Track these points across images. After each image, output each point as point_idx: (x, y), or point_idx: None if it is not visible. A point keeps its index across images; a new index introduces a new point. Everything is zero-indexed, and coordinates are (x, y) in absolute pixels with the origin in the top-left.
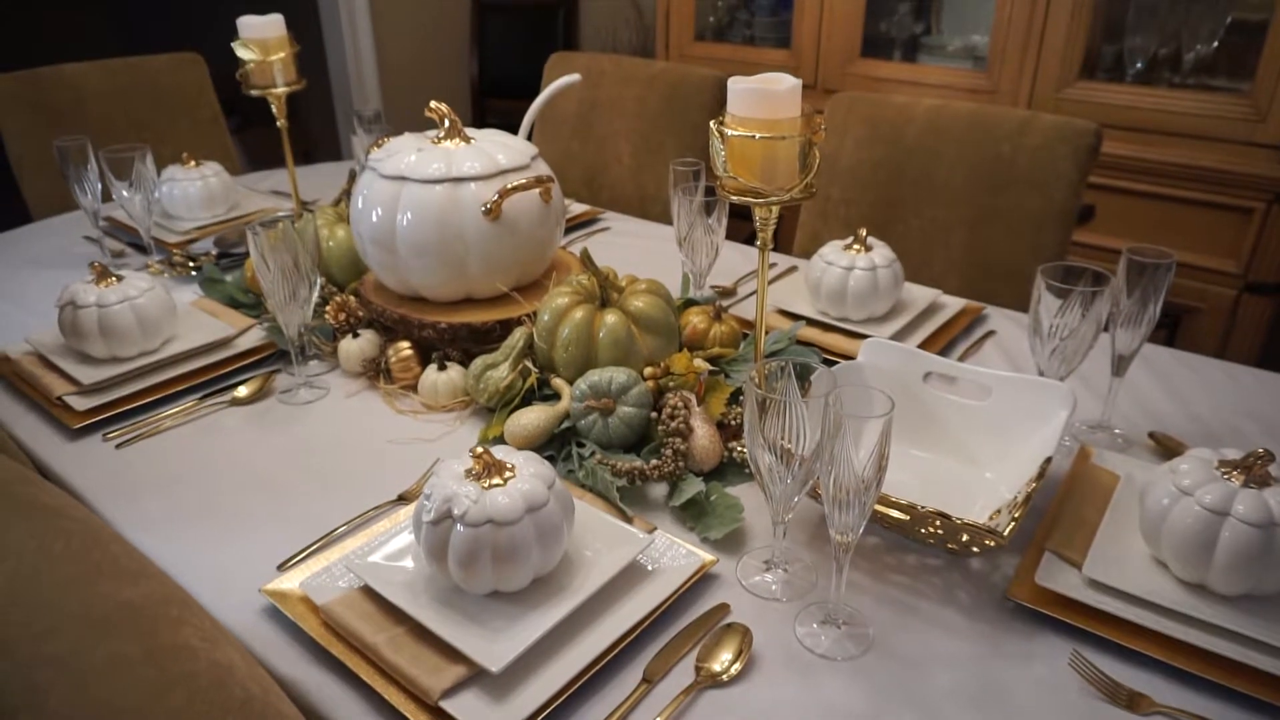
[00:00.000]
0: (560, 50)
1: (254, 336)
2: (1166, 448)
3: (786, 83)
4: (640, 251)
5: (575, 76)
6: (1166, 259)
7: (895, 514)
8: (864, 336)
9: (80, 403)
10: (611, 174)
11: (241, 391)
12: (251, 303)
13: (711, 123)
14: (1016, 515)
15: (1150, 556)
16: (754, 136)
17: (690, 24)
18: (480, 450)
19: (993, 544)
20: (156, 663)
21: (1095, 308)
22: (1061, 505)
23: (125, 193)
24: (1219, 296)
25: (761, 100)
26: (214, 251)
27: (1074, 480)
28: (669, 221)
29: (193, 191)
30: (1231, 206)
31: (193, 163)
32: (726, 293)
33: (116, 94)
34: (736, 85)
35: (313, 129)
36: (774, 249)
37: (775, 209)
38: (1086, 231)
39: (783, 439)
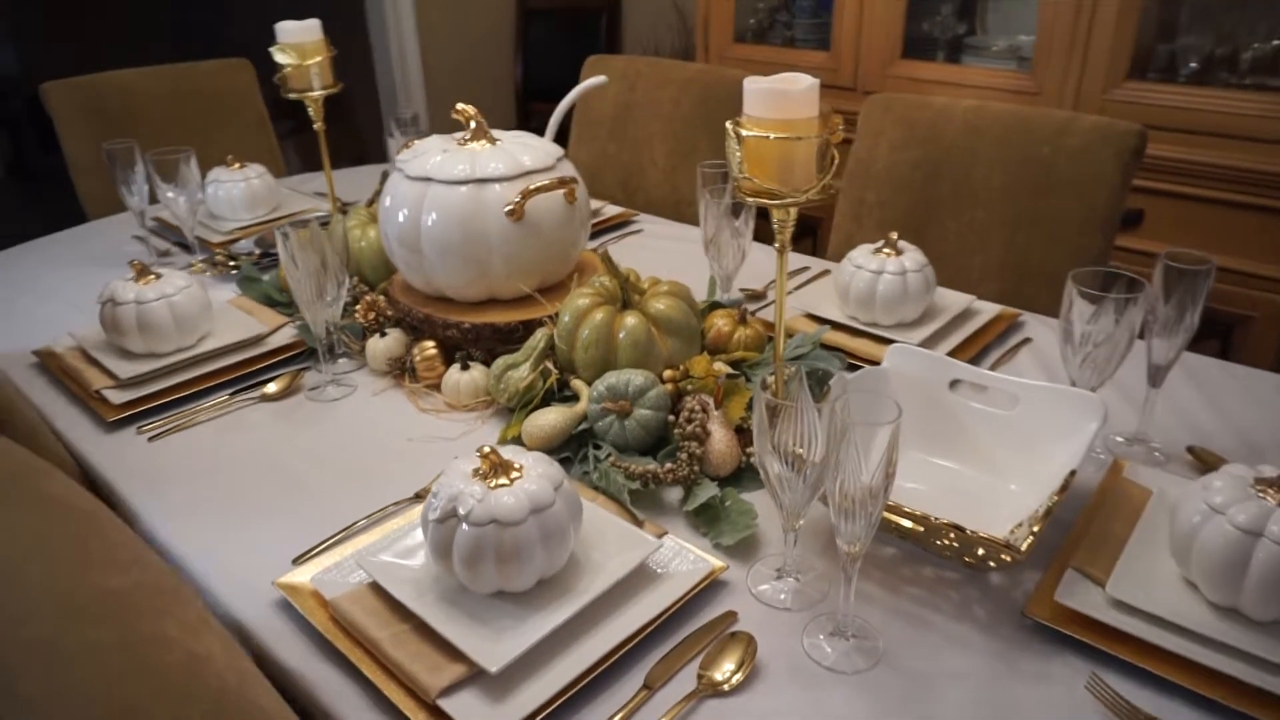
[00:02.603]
0: (603, 53)
1: (286, 334)
2: (1205, 463)
3: (803, 83)
4: (672, 254)
5: (601, 79)
6: (1205, 264)
7: (909, 524)
8: (893, 342)
9: (117, 396)
10: (647, 176)
11: (271, 388)
12: (286, 301)
13: (728, 123)
14: (1035, 529)
15: (1180, 577)
16: (769, 137)
17: (730, 26)
18: (487, 450)
19: (1009, 559)
20: (130, 651)
21: (1129, 315)
22: (1089, 520)
23: (170, 194)
24: (1275, 304)
25: (778, 100)
26: (255, 251)
27: (1104, 495)
28: None
29: (236, 193)
30: None
31: (237, 165)
32: (755, 296)
33: (168, 99)
34: (752, 85)
35: (363, 132)
36: (811, 253)
37: (793, 211)
38: (1134, 236)
39: (792, 445)
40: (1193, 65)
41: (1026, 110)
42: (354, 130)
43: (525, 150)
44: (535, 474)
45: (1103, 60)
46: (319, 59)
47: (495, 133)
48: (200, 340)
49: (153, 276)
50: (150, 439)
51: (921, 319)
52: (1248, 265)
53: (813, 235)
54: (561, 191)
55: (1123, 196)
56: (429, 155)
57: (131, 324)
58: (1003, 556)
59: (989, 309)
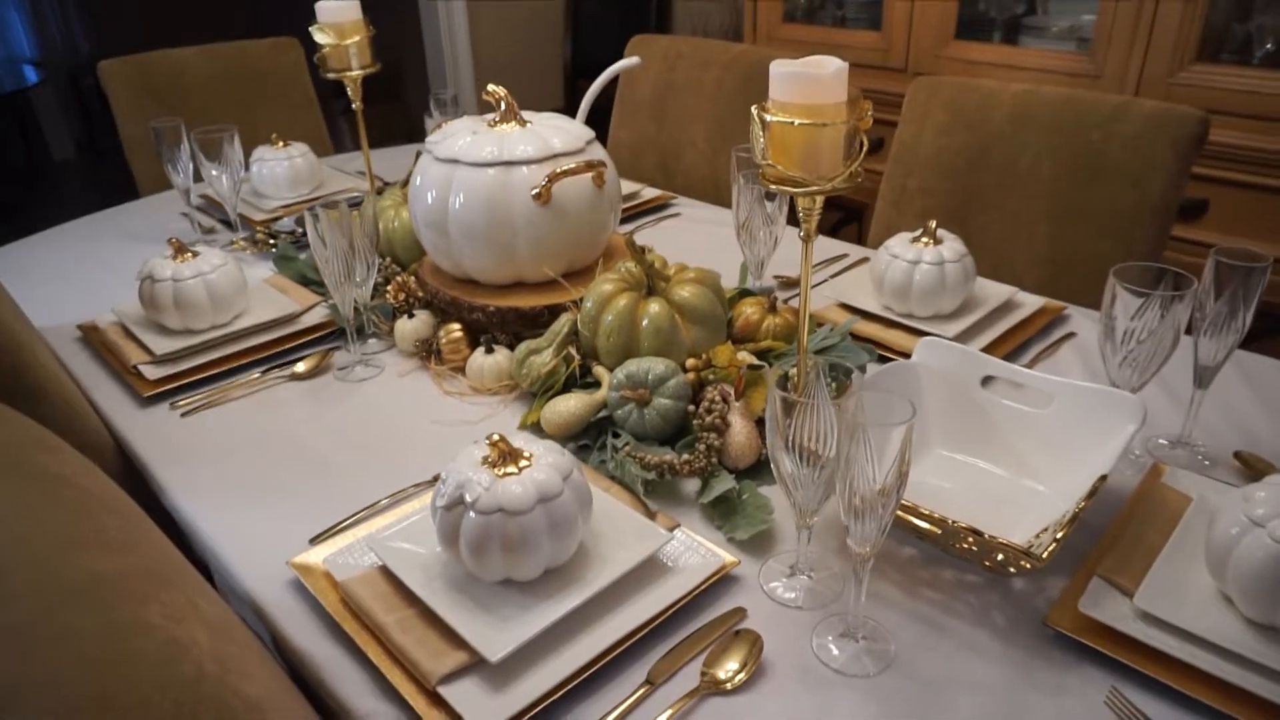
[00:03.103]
0: (652, 31)
1: (318, 314)
2: (1254, 469)
3: (832, 66)
4: (708, 238)
5: (634, 60)
6: (1261, 261)
7: (927, 526)
8: (928, 334)
9: (152, 372)
10: (686, 158)
11: (300, 367)
12: (320, 280)
13: (753, 107)
14: (1059, 536)
15: (1215, 590)
16: (794, 123)
17: (779, 5)
18: (497, 437)
19: (1029, 566)
20: (106, 638)
21: (1174, 313)
22: (1122, 527)
23: (214, 172)
24: None
25: (804, 85)
26: (297, 230)
27: (1139, 500)
28: None
29: (279, 171)
30: None
31: (281, 143)
32: (789, 283)
33: (219, 77)
34: (778, 68)
35: (413, 110)
36: (856, 240)
37: (818, 200)
38: (1197, 228)
39: (807, 441)
40: (1268, 47)
41: (1078, 94)
42: (404, 108)
43: (555, 132)
44: (544, 463)
45: (1169, 41)
46: (357, 38)
47: (526, 114)
48: (235, 318)
49: (190, 254)
50: (183, 415)
51: (959, 311)
52: None
53: (858, 221)
54: (590, 175)
55: (1180, 186)
56: (458, 137)
57: (168, 301)
58: (1022, 563)
59: (1032, 301)
